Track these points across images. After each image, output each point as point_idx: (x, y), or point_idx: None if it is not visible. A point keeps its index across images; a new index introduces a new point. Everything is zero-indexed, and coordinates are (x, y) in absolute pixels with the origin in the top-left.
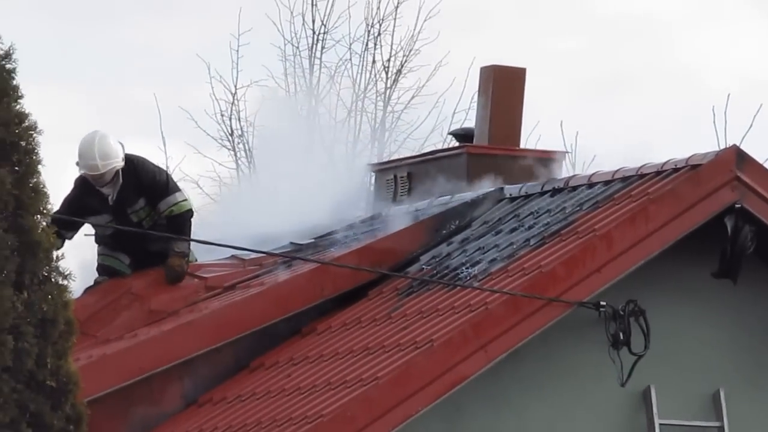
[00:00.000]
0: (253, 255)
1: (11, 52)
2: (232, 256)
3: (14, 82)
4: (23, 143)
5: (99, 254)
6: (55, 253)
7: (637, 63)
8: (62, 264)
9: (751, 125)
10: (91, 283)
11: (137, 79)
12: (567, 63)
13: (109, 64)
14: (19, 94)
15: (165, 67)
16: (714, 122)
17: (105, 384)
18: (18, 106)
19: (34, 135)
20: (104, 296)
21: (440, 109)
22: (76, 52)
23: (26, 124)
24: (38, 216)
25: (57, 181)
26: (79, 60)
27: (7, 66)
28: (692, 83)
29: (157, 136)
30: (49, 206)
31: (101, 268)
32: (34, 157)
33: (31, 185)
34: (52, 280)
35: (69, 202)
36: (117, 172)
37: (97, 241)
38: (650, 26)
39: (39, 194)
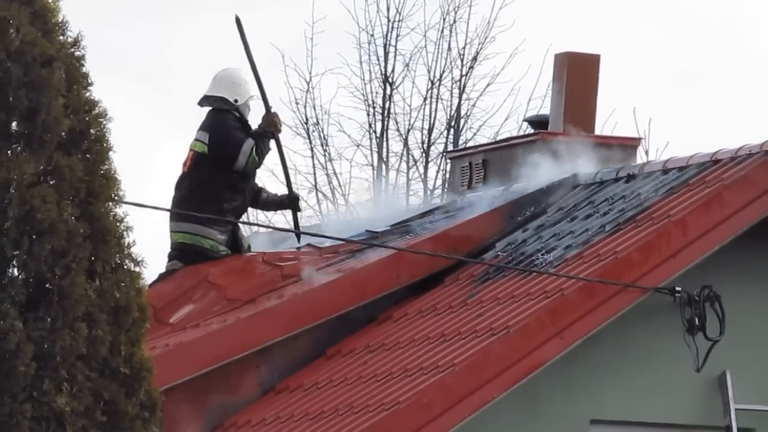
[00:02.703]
0: (330, 243)
1: (80, 39)
2: (308, 244)
3: (84, 70)
4: (93, 131)
5: (171, 230)
6: (126, 240)
7: (714, 53)
8: (134, 250)
9: None
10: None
11: (214, 67)
12: (643, 51)
13: (185, 55)
14: (89, 82)
15: (240, 57)
16: None
17: (181, 372)
18: (88, 94)
19: (104, 122)
20: (181, 284)
21: (515, 96)
22: (154, 44)
23: (96, 111)
24: (109, 203)
25: (127, 168)
26: (153, 53)
27: (76, 53)
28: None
29: None
30: (120, 193)
31: (181, 250)
32: (105, 145)
33: (101, 172)
34: (125, 267)
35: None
36: None
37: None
38: (733, 19)
39: (110, 181)
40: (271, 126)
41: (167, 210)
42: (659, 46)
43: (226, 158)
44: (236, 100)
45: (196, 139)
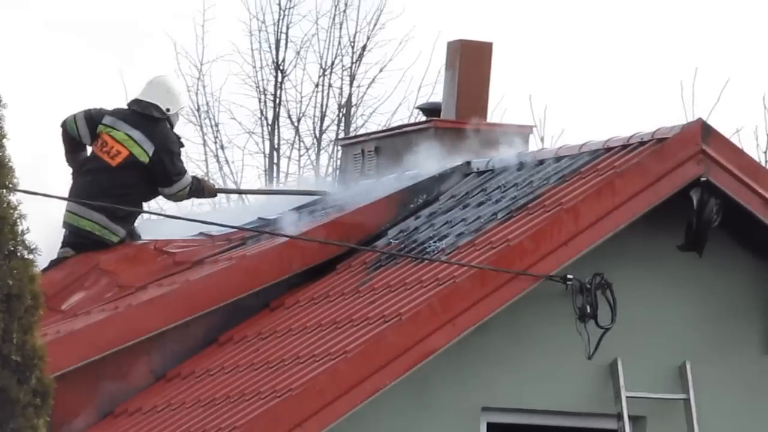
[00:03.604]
0: (222, 230)
1: None
2: (201, 232)
3: None
4: None
5: (74, 214)
6: (20, 228)
7: (608, 42)
8: (28, 238)
9: (718, 99)
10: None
11: (102, 54)
12: (539, 39)
13: (76, 40)
14: None
15: (131, 42)
16: (681, 96)
17: (73, 359)
18: None
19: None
20: (72, 271)
21: (406, 84)
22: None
23: None
24: (3, 191)
25: (20, 154)
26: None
27: None
28: (659, 58)
29: None
30: (15, 180)
31: (75, 233)
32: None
33: None
34: (18, 254)
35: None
36: None
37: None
38: (626, 7)
39: (4, 169)
40: (209, 195)
41: (76, 201)
42: (554, 34)
43: (162, 178)
44: (168, 109)
45: (130, 138)
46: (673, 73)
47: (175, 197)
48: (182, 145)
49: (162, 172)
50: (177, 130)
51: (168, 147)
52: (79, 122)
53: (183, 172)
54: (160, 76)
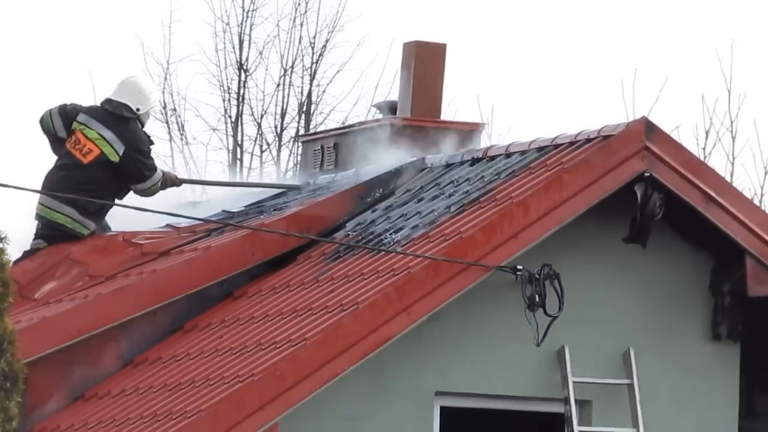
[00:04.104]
0: (187, 222)
1: None
2: (167, 224)
3: None
4: None
5: (47, 207)
6: None
7: (550, 41)
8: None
9: (657, 98)
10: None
11: (73, 53)
12: (487, 41)
13: (42, 39)
14: None
15: (100, 42)
16: (623, 95)
17: (45, 345)
18: None
19: None
20: (44, 261)
21: (363, 83)
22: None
23: None
24: None
25: None
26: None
27: None
28: (601, 59)
29: None
30: None
31: (48, 225)
32: None
33: None
34: None
35: None
36: None
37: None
38: (572, 8)
39: None
40: (172, 185)
41: (56, 195)
42: (500, 36)
43: (133, 175)
44: (138, 109)
45: (102, 137)
46: (614, 73)
47: (149, 192)
48: (152, 143)
49: (134, 169)
50: (146, 127)
51: (138, 146)
52: (54, 118)
53: (154, 168)
54: (132, 76)
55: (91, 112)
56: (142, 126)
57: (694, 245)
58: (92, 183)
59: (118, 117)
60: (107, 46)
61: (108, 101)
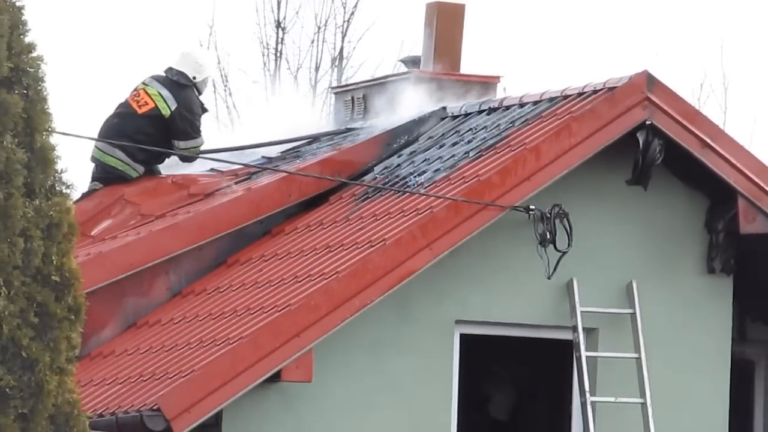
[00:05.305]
0: (231, 167)
1: None
2: (212, 168)
3: (23, 18)
4: (32, 70)
5: (101, 150)
6: (59, 166)
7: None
8: (66, 176)
9: (656, 53)
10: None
11: (127, 17)
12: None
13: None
14: (28, 28)
15: (152, 7)
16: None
17: (101, 278)
18: (27, 38)
19: (41, 64)
20: (101, 202)
21: (390, 40)
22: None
23: (34, 54)
24: (45, 134)
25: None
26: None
27: (17, 3)
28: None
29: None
30: (54, 126)
31: (102, 168)
32: (42, 83)
33: (39, 108)
34: (57, 189)
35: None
36: None
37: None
38: None
39: (46, 115)
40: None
41: (119, 143)
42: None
43: (180, 131)
44: (195, 77)
45: (159, 94)
46: (620, 37)
47: (188, 151)
48: (205, 111)
49: (181, 126)
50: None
51: (190, 107)
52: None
53: (199, 132)
54: (192, 49)
55: (156, 77)
56: (199, 94)
57: (690, 187)
58: (142, 133)
59: (176, 83)
60: (160, 11)
61: (169, 69)
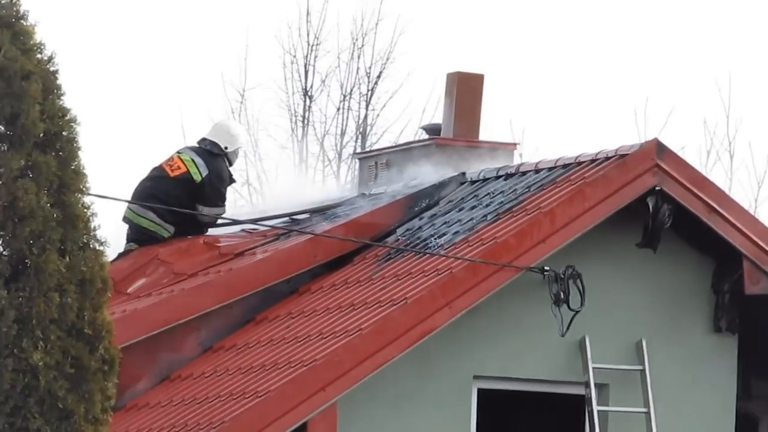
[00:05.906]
0: (260, 228)
1: (53, 56)
2: (242, 230)
3: (58, 82)
4: (65, 133)
5: (133, 212)
6: (92, 224)
7: (572, 73)
8: (99, 233)
9: (665, 123)
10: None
11: (163, 86)
12: (516, 72)
13: (137, 76)
14: (62, 92)
15: (187, 79)
16: (635, 120)
17: (136, 333)
18: (61, 102)
19: (74, 126)
20: (136, 261)
21: (412, 109)
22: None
23: (68, 117)
24: (78, 193)
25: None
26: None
27: (51, 68)
28: (616, 88)
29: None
30: (87, 185)
31: (136, 229)
32: (75, 145)
33: (72, 168)
34: (90, 246)
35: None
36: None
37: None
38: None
39: (79, 175)
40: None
41: (143, 204)
42: (531, 69)
43: (207, 198)
44: (226, 147)
45: (192, 160)
46: (628, 102)
47: (208, 218)
48: (233, 181)
49: (209, 193)
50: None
51: (220, 175)
52: None
53: (224, 202)
54: (224, 120)
55: (190, 146)
56: (230, 164)
57: (698, 250)
58: (172, 196)
59: (209, 152)
60: (193, 81)
61: (202, 139)
